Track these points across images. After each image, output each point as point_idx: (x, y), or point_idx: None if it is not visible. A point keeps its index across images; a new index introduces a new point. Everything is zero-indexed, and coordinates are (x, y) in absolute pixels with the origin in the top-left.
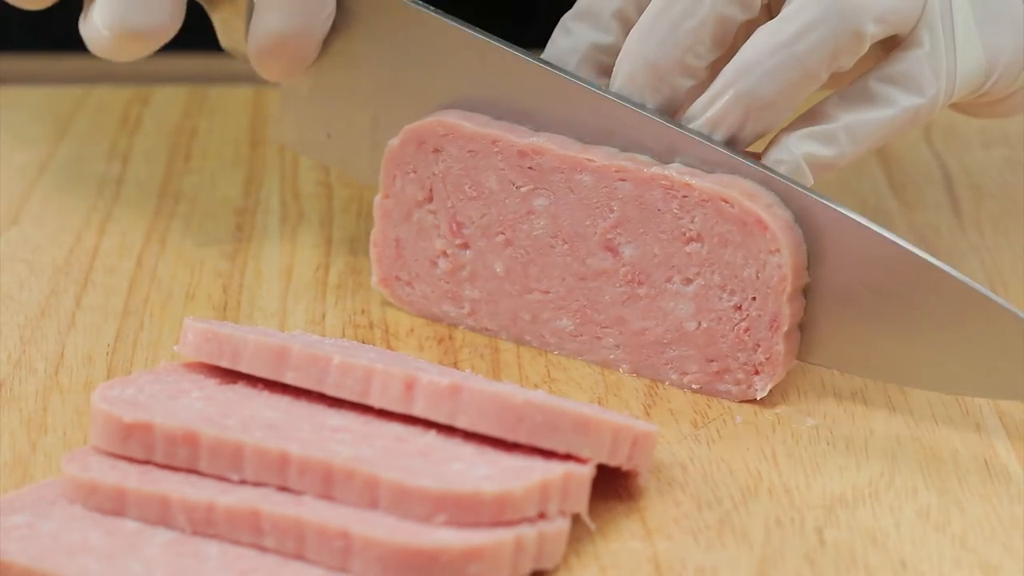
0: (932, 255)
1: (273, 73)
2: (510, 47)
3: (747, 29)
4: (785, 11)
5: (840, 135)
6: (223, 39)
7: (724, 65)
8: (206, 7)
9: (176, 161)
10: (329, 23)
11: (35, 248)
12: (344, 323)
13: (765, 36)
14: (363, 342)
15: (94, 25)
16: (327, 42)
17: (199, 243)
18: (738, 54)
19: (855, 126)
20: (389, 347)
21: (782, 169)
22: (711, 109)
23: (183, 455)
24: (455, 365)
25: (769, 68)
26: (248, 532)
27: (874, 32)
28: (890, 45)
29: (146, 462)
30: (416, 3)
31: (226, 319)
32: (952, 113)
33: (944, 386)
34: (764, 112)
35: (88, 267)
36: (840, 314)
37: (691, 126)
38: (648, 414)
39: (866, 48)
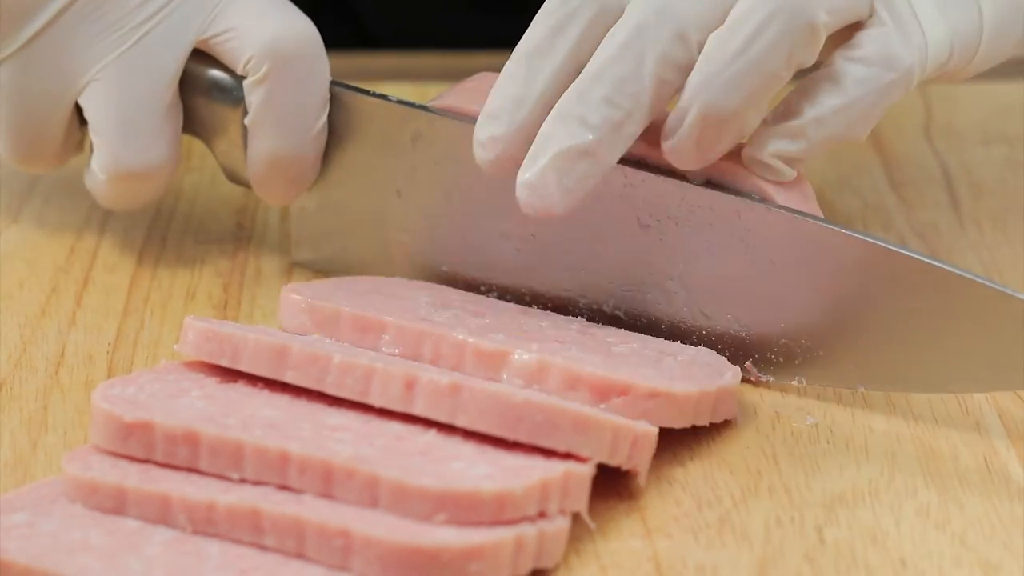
0: (932, 254)
1: (277, 196)
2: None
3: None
4: (733, 15)
5: (808, 129)
6: (225, 170)
7: None
8: (205, 143)
9: None
10: (323, 139)
11: (35, 247)
12: None
13: (719, 45)
14: None
15: (93, 173)
16: (327, 157)
17: (200, 242)
18: (696, 67)
19: (823, 116)
20: None
21: (756, 170)
22: (682, 127)
23: (183, 454)
24: None
25: (728, 79)
26: (248, 531)
27: (827, 22)
28: (850, 32)
29: (146, 461)
30: (403, 102)
31: (226, 318)
32: (951, 111)
33: (942, 385)
34: (730, 123)
35: (88, 266)
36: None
37: (670, 144)
38: None
39: (823, 41)
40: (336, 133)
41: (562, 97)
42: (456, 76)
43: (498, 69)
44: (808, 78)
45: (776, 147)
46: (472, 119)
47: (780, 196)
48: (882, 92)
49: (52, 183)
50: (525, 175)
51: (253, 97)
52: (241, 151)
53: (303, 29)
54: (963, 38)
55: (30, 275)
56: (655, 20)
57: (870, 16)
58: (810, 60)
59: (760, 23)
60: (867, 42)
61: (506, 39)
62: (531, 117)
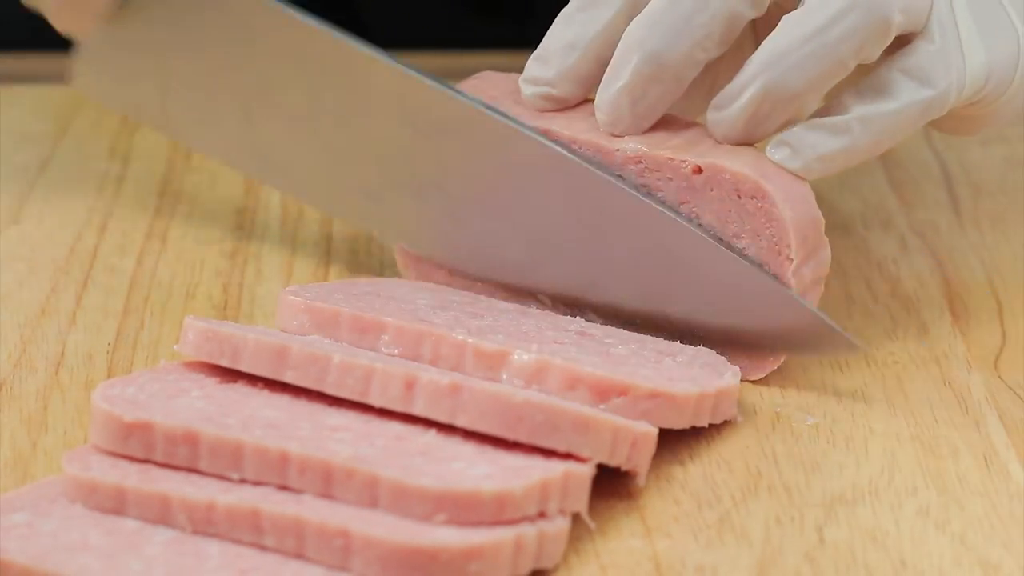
0: (932, 253)
1: (64, 23)
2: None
3: (753, 27)
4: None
5: (854, 125)
6: None
7: (725, 62)
8: None
9: (176, 160)
10: None
11: (35, 247)
12: None
13: (794, 25)
14: None
15: None
16: None
17: (199, 242)
18: (765, 43)
19: (869, 117)
20: None
21: (782, 154)
22: (739, 100)
23: (183, 454)
24: None
25: (799, 58)
26: (248, 531)
27: (900, 22)
28: (899, 43)
29: (146, 461)
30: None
31: (226, 318)
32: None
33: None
34: (790, 103)
35: (88, 266)
36: None
37: (720, 115)
38: None
39: (891, 38)
40: None
41: (635, 21)
42: (456, 76)
43: (498, 69)
44: (851, 84)
45: (817, 138)
46: None
47: (777, 193)
48: (918, 106)
49: (53, 182)
50: (602, 96)
51: None
52: None
53: None
54: (1000, 69)
55: (30, 275)
56: None
57: (923, 30)
58: (874, 57)
59: (840, 10)
60: (912, 55)
61: (506, 40)
62: (582, 62)
